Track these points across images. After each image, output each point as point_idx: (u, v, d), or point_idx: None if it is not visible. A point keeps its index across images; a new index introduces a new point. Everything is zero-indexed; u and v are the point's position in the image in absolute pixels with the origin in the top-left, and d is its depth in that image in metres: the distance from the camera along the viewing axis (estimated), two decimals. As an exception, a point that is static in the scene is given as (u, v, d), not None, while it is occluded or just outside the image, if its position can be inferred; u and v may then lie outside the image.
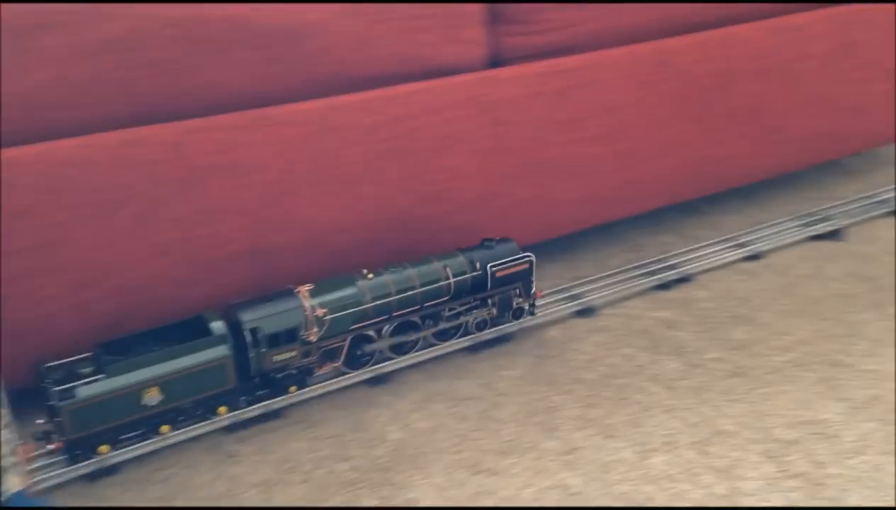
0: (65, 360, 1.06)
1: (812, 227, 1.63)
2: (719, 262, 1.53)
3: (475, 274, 1.26)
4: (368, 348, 1.22)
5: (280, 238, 1.20)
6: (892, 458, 1.07)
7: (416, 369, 1.28)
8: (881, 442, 1.10)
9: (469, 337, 1.30)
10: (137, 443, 1.09)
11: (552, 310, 1.38)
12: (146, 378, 1.05)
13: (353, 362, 1.22)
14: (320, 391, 1.21)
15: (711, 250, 1.57)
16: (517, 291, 1.30)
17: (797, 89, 1.60)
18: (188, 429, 1.13)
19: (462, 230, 1.37)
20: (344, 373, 1.22)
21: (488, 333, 1.31)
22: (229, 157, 1.13)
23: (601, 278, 1.49)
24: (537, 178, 1.41)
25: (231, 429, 1.16)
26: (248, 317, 1.10)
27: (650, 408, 1.18)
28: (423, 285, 1.22)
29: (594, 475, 1.07)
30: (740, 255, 1.55)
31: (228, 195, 1.15)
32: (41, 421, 1.07)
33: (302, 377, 1.18)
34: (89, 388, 1.02)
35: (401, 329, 1.24)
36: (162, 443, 1.12)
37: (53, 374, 1.04)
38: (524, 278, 1.30)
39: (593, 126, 1.42)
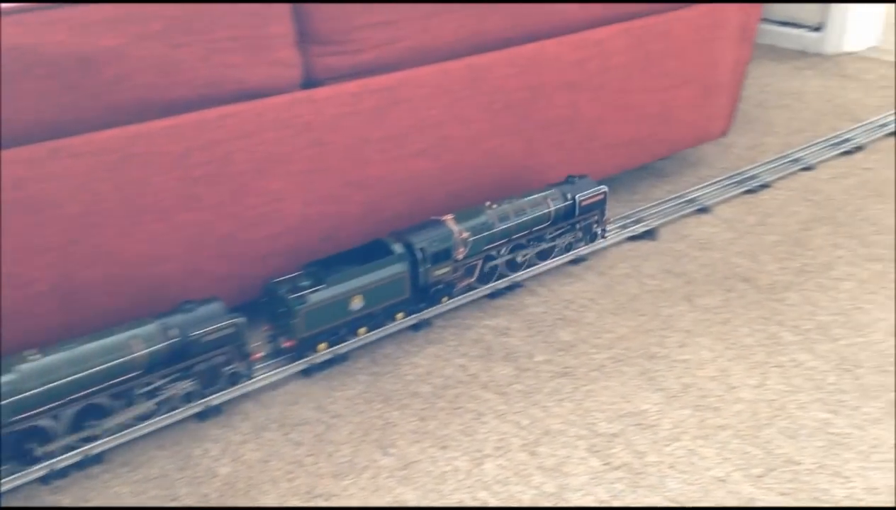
0: (284, 277, 1.28)
1: (629, 229, 1.73)
2: (547, 267, 1.59)
3: (567, 203, 1.55)
4: (493, 265, 1.49)
5: (89, 274, 1.14)
6: (705, 442, 1.15)
7: (248, 398, 1.24)
8: (694, 427, 1.17)
9: (304, 360, 1.29)
10: (344, 342, 1.33)
11: (391, 324, 1.38)
12: (355, 287, 1.29)
13: (483, 278, 1.48)
14: (145, 431, 1.16)
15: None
16: (595, 217, 1.60)
17: (605, 99, 1.68)
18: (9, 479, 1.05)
19: (290, 253, 1.36)
20: (475, 288, 1.48)
21: (321, 356, 1.31)
22: (25, 192, 1.06)
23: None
24: (362, 197, 1.42)
25: (46, 480, 1.09)
26: (417, 240, 1.36)
27: (483, 415, 1.21)
28: (532, 212, 1.49)
29: (430, 487, 1.08)
30: (565, 260, 1.62)
31: (27, 233, 1.07)
32: (266, 327, 1.30)
33: (449, 290, 1.43)
34: (316, 295, 1.26)
35: (514, 250, 1.51)
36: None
37: (281, 288, 1.26)
38: (600, 206, 1.60)
39: (414, 142, 1.44)
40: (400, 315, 1.38)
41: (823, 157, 2.02)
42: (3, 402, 1.00)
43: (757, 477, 1.08)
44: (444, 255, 1.38)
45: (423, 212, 1.51)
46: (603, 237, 1.64)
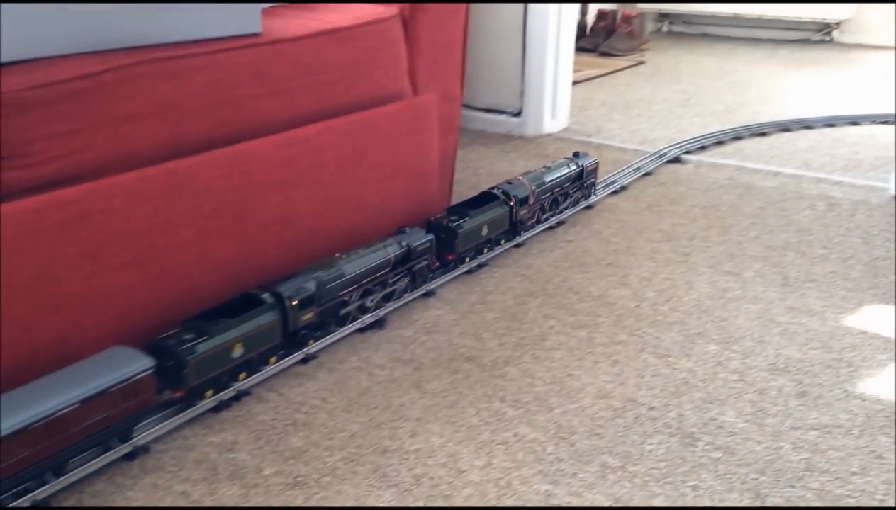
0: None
1: (358, 321, 1.73)
2: (275, 371, 1.54)
3: (579, 169, 2.27)
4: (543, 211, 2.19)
5: None
6: (437, 533, 1.14)
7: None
8: (427, 519, 1.17)
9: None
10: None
11: (95, 461, 1.24)
12: (479, 222, 1.93)
13: (540, 222, 2.18)
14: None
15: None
16: (592, 180, 2.35)
17: (320, 194, 1.69)
18: None
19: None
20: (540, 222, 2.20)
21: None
22: None
23: (152, 409, 1.39)
24: (60, 320, 1.29)
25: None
26: (512, 190, 2.02)
27: (208, 546, 1.12)
28: (564, 174, 2.22)
29: None
30: (295, 360, 1.57)
31: None
32: None
33: (525, 226, 2.11)
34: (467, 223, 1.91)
35: (553, 202, 2.20)
36: None
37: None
38: (595, 173, 2.36)
39: (115, 255, 1.34)
40: (502, 241, 2.06)
41: (532, 233, 2.17)
42: (335, 283, 1.59)
43: (490, 561, 1.10)
44: (525, 201, 2.04)
45: (133, 326, 1.41)
46: (594, 195, 2.39)
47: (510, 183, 2.04)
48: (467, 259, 1.95)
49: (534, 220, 2.13)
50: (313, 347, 1.60)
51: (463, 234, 1.87)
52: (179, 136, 1.42)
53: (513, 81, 3.08)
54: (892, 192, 2.44)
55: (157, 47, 1.41)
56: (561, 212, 2.25)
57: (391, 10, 1.84)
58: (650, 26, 5.29)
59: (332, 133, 1.67)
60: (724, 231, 2.21)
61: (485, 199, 1.99)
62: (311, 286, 1.52)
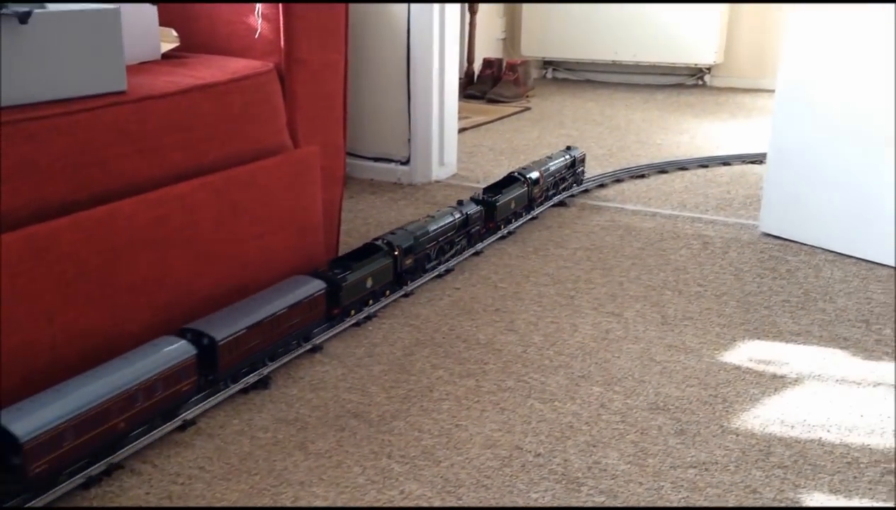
0: None
1: (241, 381, 1.67)
2: (149, 441, 1.46)
3: (572, 159, 2.84)
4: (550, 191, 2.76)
5: None
6: None
7: None
8: (309, 589, 1.13)
9: None
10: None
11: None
12: (509, 198, 2.48)
13: (547, 199, 2.75)
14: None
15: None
16: (581, 169, 2.93)
17: (197, 254, 1.65)
18: None
19: None
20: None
21: None
22: None
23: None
24: None
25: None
26: (528, 172, 2.59)
27: None
28: (564, 163, 2.80)
29: None
30: (171, 428, 1.51)
31: None
32: None
33: (537, 202, 2.68)
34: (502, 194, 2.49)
35: (555, 184, 2.77)
36: None
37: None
38: (584, 161, 2.94)
39: (-32, 328, 1.26)
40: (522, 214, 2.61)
41: (421, 282, 2.17)
42: (424, 237, 2.10)
43: None
44: (537, 182, 2.60)
45: (-9, 403, 1.32)
46: (583, 180, 2.96)
47: (525, 168, 2.62)
48: (353, 312, 1.92)
49: (542, 198, 2.69)
50: (191, 412, 1.54)
51: (500, 206, 2.41)
52: (39, 200, 1.36)
53: (400, 130, 3.10)
54: (761, 230, 2.57)
55: (14, 109, 1.35)
56: (560, 192, 2.81)
57: (266, 64, 1.82)
58: (535, 73, 5.45)
59: (207, 190, 1.64)
60: (607, 272, 2.27)
61: (509, 180, 2.55)
62: (410, 239, 2.02)
